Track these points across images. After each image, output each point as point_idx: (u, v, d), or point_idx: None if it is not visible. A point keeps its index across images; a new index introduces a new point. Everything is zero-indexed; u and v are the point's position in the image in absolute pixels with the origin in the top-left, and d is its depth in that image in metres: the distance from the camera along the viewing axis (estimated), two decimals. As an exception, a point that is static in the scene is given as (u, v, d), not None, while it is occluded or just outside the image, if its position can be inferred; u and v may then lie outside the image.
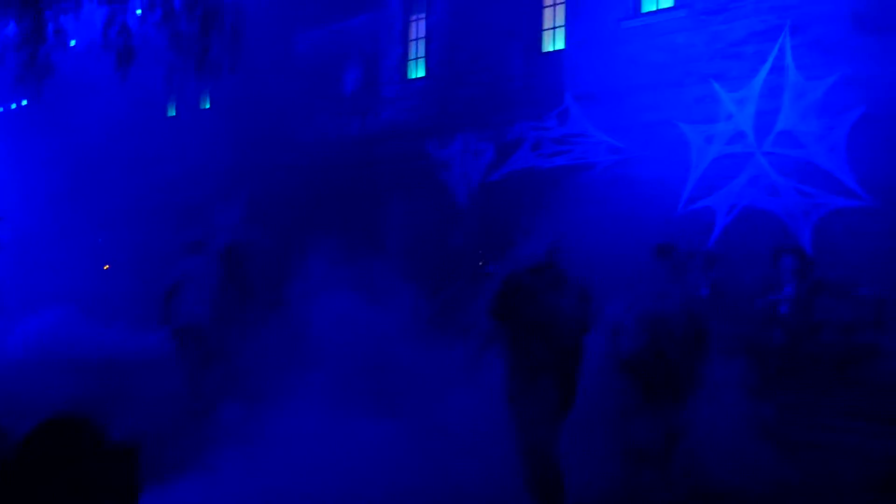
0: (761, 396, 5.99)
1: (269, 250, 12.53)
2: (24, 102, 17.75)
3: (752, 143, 8.23)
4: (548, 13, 11.05)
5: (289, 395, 5.89)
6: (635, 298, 5.47)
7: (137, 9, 11.37)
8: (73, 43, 9.72)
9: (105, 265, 14.92)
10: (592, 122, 9.45)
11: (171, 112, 16.73)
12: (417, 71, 12.94)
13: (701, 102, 8.62)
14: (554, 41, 10.95)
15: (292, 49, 14.61)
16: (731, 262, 8.29)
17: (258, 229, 13.01)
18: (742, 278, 7.72)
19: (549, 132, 9.52)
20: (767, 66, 8.12)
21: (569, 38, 9.96)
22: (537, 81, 10.80)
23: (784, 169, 8.04)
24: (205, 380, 6.90)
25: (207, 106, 16.12)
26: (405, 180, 11.78)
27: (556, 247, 5.27)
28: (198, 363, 7.02)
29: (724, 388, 6.12)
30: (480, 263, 9.56)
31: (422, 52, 12.91)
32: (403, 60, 13.11)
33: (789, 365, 6.82)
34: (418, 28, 13.06)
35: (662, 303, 5.35)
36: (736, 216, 8.35)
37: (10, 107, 18.80)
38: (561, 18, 10.79)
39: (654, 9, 9.24)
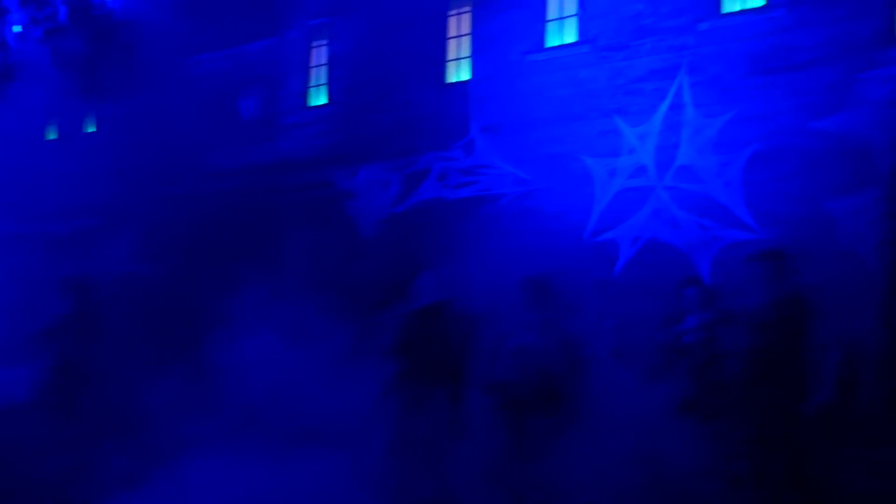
0: (667, 426, 6.06)
1: (163, 284, 11.89)
2: None
3: (653, 178, 8.45)
4: (452, 44, 11.11)
5: (185, 437, 5.51)
6: (514, 329, 5.53)
7: (16, 25, 10.64)
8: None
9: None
10: (498, 153, 9.49)
11: (52, 135, 15.75)
12: (319, 98, 12.71)
13: (604, 136, 8.80)
14: (459, 72, 11.00)
15: (188, 72, 14.06)
16: (635, 294, 8.46)
17: (150, 263, 12.35)
18: (646, 309, 7.86)
19: (456, 163, 9.49)
20: (667, 102, 8.39)
21: (474, 70, 10.00)
22: (442, 112, 10.78)
23: (684, 203, 8.28)
24: (83, 423, 6.35)
25: (93, 129, 15.26)
26: (310, 210, 11.45)
27: (449, 283, 5.24)
28: (73, 405, 6.46)
29: (631, 417, 6.17)
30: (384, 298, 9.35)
31: (324, 79, 12.71)
32: (305, 87, 12.85)
33: (694, 393, 6.93)
34: (320, 55, 12.86)
35: (533, 334, 5.42)
36: (639, 248, 8.50)
37: None
38: (466, 50, 10.86)
39: (558, 43, 9.40)
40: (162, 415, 6.06)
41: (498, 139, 9.59)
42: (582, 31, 9.17)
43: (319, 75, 12.79)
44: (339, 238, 10.96)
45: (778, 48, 7.95)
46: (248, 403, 6.14)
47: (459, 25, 11.04)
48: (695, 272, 8.15)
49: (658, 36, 8.56)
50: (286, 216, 12.14)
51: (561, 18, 9.50)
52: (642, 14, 8.69)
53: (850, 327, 7.31)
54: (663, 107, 8.41)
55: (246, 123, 14.29)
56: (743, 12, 8.17)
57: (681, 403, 6.72)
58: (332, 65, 12.38)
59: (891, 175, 7.42)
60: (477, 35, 10.07)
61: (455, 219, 9.61)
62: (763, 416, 6.45)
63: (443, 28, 11.16)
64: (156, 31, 14.43)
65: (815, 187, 7.68)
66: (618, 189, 8.65)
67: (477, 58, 9.98)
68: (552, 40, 9.52)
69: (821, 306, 6.68)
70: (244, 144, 13.95)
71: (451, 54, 11.10)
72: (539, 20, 9.60)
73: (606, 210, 8.75)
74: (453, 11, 11.14)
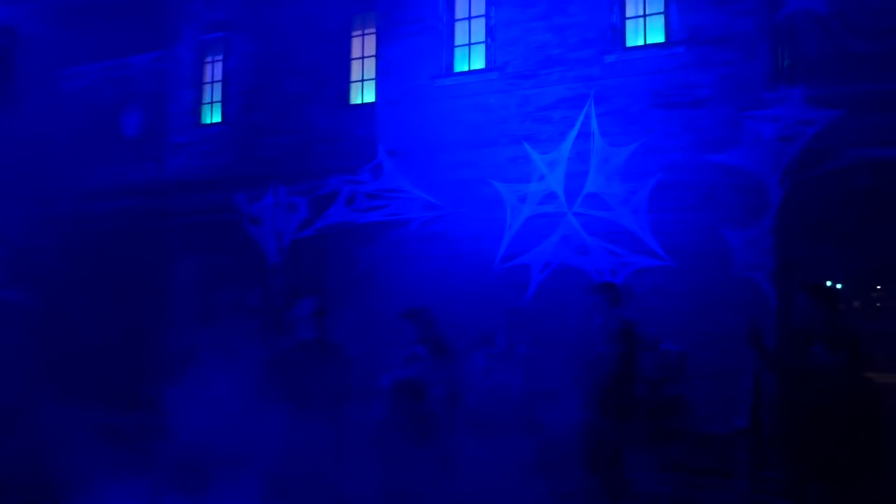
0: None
1: (34, 313, 10.97)
2: None
3: (563, 204, 8.65)
4: (356, 65, 11.01)
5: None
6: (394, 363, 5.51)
7: None
8: None
9: None
10: (407, 177, 9.45)
11: None
12: (213, 116, 12.24)
13: (514, 162, 8.95)
14: (363, 94, 10.91)
15: (64, 85, 13.19)
16: (547, 319, 8.59)
17: (19, 289, 11.39)
18: (558, 334, 8.00)
19: (364, 186, 9.35)
20: (575, 131, 8.64)
21: (381, 93, 9.94)
22: (347, 134, 10.67)
23: (593, 229, 8.53)
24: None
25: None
26: (204, 235, 10.94)
27: (321, 312, 5.13)
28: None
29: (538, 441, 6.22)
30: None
31: (218, 96, 12.25)
32: (197, 104, 12.34)
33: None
34: (213, 71, 12.41)
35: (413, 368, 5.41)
36: (550, 274, 8.66)
37: None
38: (370, 72, 10.80)
39: (466, 69, 9.50)
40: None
41: (406, 163, 9.55)
42: (490, 58, 9.32)
43: (213, 92, 12.33)
44: (238, 264, 10.53)
45: (677, 84, 8.37)
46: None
47: (364, 46, 10.97)
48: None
49: (566, 66, 8.82)
50: (177, 241, 11.56)
51: (469, 45, 9.60)
52: (550, 44, 8.94)
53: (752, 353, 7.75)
54: (572, 135, 8.65)
55: (129, 141, 13.58)
56: (646, 47, 8.56)
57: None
58: (228, 82, 11.95)
59: (780, 209, 7.95)
60: (382, 57, 10.02)
61: (363, 244, 9.46)
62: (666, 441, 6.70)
63: (346, 49, 11.06)
64: (30, 40, 13.50)
65: (714, 217, 8.12)
66: (528, 215, 8.80)
67: (383, 80, 9.93)
68: (460, 66, 9.61)
69: (729, 332, 7.06)
70: (127, 163, 13.24)
71: (356, 76, 11.00)
72: (447, 45, 9.68)
73: (517, 236, 8.87)
74: (357, 32, 11.07)
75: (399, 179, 9.40)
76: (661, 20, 8.63)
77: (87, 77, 14.00)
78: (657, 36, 8.62)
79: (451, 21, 9.70)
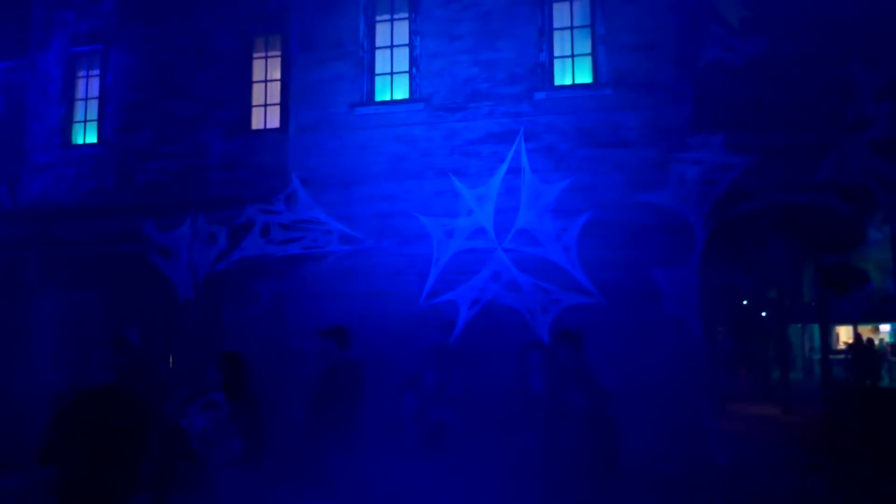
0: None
1: None
2: None
3: (493, 240, 8.63)
4: (258, 88, 10.56)
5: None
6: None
7: None
8: None
9: None
10: (324, 208, 9.07)
11: None
12: (86, 136, 11.23)
13: (441, 196, 8.85)
14: (266, 119, 10.44)
15: None
16: (475, 357, 8.46)
17: None
18: (487, 373, 7.89)
19: (279, 217, 8.85)
20: (504, 166, 8.70)
21: (294, 119, 9.54)
22: (246, 160, 10.14)
23: (524, 266, 8.56)
24: None
25: None
26: (76, 268, 9.89)
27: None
28: None
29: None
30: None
31: (93, 114, 11.28)
32: (67, 122, 11.29)
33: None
34: (87, 86, 11.44)
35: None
36: (479, 311, 8.57)
37: None
38: (275, 95, 10.38)
39: (388, 98, 9.36)
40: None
41: (322, 193, 9.19)
42: (414, 88, 9.23)
43: (86, 109, 11.33)
44: (118, 300, 9.58)
45: (605, 124, 8.69)
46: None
47: (267, 70, 10.55)
48: (535, 335, 8.41)
49: (495, 101, 8.91)
50: (40, 274, 10.36)
51: (391, 73, 9.48)
52: (478, 78, 9.00)
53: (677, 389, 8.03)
54: (502, 170, 8.70)
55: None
56: (574, 86, 8.84)
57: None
58: (105, 99, 11.04)
59: (705, 249, 8.38)
60: (295, 82, 9.65)
61: (273, 278, 8.92)
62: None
63: (247, 71, 10.58)
64: None
65: (642, 256, 8.40)
66: (456, 250, 8.69)
67: (296, 106, 9.55)
68: (381, 95, 9.45)
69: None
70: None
71: (257, 99, 10.53)
72: (367, 73, 9.50)
73: (444, 271, 8.72)
74: (259, 54, 10.63)
75: (315, 210, 9.01)
76: (587, 61, 8.95)
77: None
78: (584, 76, 8.93)
79: (372, 48, 9.55)
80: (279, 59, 10.54)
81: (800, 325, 20.03)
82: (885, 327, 19.86)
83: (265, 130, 10.29)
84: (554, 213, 8.56)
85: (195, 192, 10.21)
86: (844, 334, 20.05)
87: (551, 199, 8.57)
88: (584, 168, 8.62)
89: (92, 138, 11.14)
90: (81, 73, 11.45)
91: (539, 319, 8.44)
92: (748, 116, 8.44)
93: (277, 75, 10.51)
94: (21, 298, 10.45)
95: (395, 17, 9.61)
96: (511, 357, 7.74)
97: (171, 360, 9.07)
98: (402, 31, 9.53)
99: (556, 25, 9.05)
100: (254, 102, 10.53)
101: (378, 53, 9.56)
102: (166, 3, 11.02)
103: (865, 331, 18.13)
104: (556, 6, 9.06)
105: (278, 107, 10.40)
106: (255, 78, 10.60)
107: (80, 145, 11.08)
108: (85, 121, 11.32)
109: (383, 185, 9.05)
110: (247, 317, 8.93)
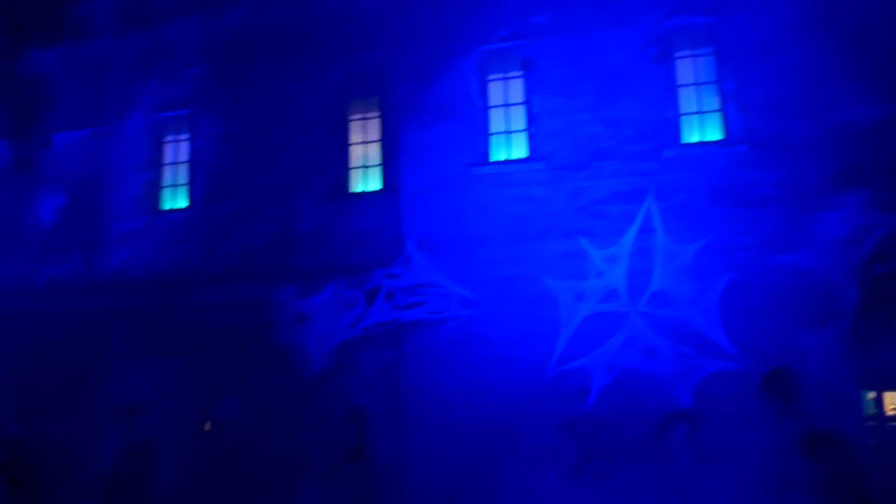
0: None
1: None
2: None
3: (626, 302, 8.54)
4: (356, 150, 10.67)
5: None
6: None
7: None
8: None
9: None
10: (442, 272, 9.05)
11: None
12: (174, 202, 11.36)
13: (567, 258, 8.83)
14: (366, 182, 10.53)
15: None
16: (614, 428, 8.26)
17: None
18: (628, 443, 7.74)
19: (399, 280, 8.84)
20: (636, 226, 8.70)
21: (405, 181, 9.65)
22: (345, 225, 10.19)
23: (661, 330, 8.44)
24: None
25: None
26: (174, 337, 9.85)
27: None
28: None
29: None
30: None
31: (177, 180, 11.45)
32: (153, 188, 11.45)
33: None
34: (174, 151, 11.65)
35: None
36: (614, 378, 8.42)
37: None
38: (376, 157, 10.50)
39: (505, 158, 9.46)
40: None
41: (439, 256, 9.19)
42: (533, 147, 9.33)
43: (174, 176, 11.51)
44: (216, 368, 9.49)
45: (739, 182, 8.71)
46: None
47: (366, 131, 10.71)
48: (675, 404, 8.23)
49: (620, 159, 8.99)
50: (129, 344, 10.31)
51: (507, 132, 9.62)
52: (601, 136, 9.11)
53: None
54: (632, 231, 8.69)
55: (46, 231, 12.31)
56: (704, 144, 8.91)
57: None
58: (194, 164, 11.21)
59: (854, 312, 8.25)
60: (404, 144, 9.79)
61: (394, 346, 8.85)
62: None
63: (343, 133, 10.74)
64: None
65: (787, 320, 8.28)
66: (586, 314, 8.60)
67: (407, 167, 9.66)
68: (497, 154, 9.56)
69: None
70: (44, 255, 11.94)
71: (356, 162, 10.66)
72: (480, 132, 9.64)
73: (574, 337, 8.61)
74: (356, 116, 10.82)
75: (432, 274, 8.98)
76: (715, 117, 9.05)
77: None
78: (713, 133, 9.01)
79: (486, 107, 9.72)
80: (377, 120, 10.71)
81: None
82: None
83: (365, 194, 10.37)
84: (691, 275, 8.51)
85: (288, 257, 10.24)
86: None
87: (687, 260, 8.53)
88: (718, 228, 8.60)
89: (179, 204, 11.26)
90: (168, 138, 11.67)
91: (679, 387, 8.27)
92: (892, 173, 8.45)
93: (376, 136, 10.67)
94: (107, 370, 10.38)
95: (508, 75, 9.81)
96: (651, 428, 7.57)
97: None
98: (516, 89, 9.71)
99: (679, 82, 9.19)
100: (352, 165, 10.65)
101: (492, 112, 9.72)
102: (255, 69, 11.29)
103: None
104: (679, 63, 9.22)
105: (378, 168, 10.51)
106: (351, 140, 10.76)
107: (167, 211, 11.19)
108: (172, 186, 11.47)
109: (504, 247, 9.05)
110: (361, 385, 8.82)
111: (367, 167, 10.56)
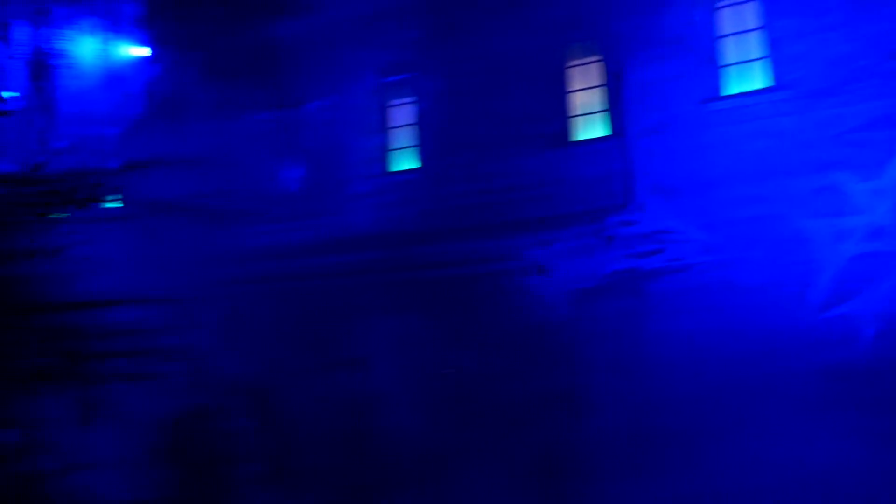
0: None
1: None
2: None
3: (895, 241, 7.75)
4: (575, 98, 10.40)
5: None
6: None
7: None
8: None
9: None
10: (679, 216, 8.67)
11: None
12: (403, 163, 11.76)
13: (822, 194, 8.11)
14: (588, 129, 10.26)
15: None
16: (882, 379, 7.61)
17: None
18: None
19: (635, 227, 8.59)
20: (903, 153, 7.79)
21: (633, 124, 9.27)
22: (571, 174, 10.01)
23: (940, 269, 7.57)
24: None
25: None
26: (421, 291, 10.30)
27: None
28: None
29: None
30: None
31: (403, 142, 11.81)
32: (382, 152, 11.90)
33: None
34: (399, 115, 12.01)
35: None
36: (885, 325, 7.70)
37: None
38: (598, 103, 10.19)
39: (740, 90, 8.80)
40: None
41: (676, 200, 8.79)
42: (777, 75, 8.59)
43: (400, 138, 11.89)
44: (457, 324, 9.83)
45: None
46: None
47: (587, 77, 10.39)
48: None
49: (879, 79, 8.07)
50: (375, 300, 10.90)
51: (739, 63, 8.93)
52: (855, 56, 8.19)
53: None
54: (898, 158, 7.80)
55: (288, 197, 13.19)
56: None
57: None
58: (421, 125, 11.49)
59: None
60: (629, 85, 9.38)
61: (636, 295, 8.66)
62: None
63: (561, 83, 10.49)
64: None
65: None
66: (848, 255, 7.89)
67: (634, 109, 9.26)
68: (732, 87, 8.92)
69: None
70: (289, 220, 12.81)
71: (575, 109, 10.40)
72: (711, 65, 9.01)
73: (835, 280, 7.94)
74: (575, 62, 10.51)
75: (669, 219, 8.63)
76: None
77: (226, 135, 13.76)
78: None
79: (714, 38, 9.06)
80: (597, 65, 10.36)
81: None
82: None
83: (587, 142, 10.12)
84: (975, 205, 7.50)
85: (518, 209, 10.26)
86: None
87: (969, 188, 7.53)
88: None
89: (408, 165, 11.63)
90: (393, 102, 12.03)
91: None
92: None
93: (595, 82, 10.34)
94: (355, 324, 11.09)
95: (738, 0, 9.08)
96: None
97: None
98: (747, 15, 8.96)
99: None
100: (570, 113, 10.42)
101: (721, 43, 9.07)
102: (471, 26, 11.26)
103: None
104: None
105: (600, 115, 10.21)
106: (569, 88, 10.50)
107: (397, 172, 11.61)
108: (400, 148, 11.86)
109: (747, 186, 8.49)
110: (601, 333, 8.76)
111: (589, 114, 10.29)
